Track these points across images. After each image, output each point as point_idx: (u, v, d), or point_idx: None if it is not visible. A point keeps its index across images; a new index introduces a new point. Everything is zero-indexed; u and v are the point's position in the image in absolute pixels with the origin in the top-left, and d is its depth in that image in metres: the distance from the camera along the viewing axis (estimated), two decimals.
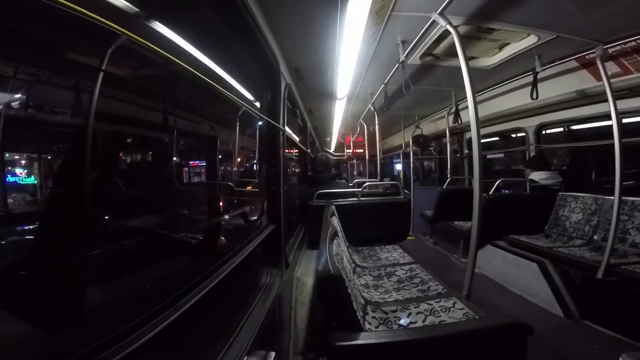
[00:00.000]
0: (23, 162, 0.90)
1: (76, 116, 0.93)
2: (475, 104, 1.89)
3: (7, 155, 0.86)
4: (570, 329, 2.51)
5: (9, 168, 0.85)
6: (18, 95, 0.77)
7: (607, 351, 2.17)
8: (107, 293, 0.93)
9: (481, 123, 1.92)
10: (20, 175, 0.87)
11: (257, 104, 2.25)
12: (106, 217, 1.15)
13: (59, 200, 0.87)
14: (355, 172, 12.56)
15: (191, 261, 1.71)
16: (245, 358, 1.11)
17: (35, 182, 0.89)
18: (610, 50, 2.57)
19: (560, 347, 2.23)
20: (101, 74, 0.85)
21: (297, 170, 6.16)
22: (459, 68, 1.95)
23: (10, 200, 0.85)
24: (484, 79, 3.66)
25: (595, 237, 3.18)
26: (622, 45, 2.49)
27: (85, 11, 0.57)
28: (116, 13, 0.89)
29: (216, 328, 1.23)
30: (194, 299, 0.92)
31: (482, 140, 1.92)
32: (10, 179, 0.84)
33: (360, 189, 3.56)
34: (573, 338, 2.36)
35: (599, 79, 2.72)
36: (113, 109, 1.11)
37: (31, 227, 0.88)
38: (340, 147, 11.19)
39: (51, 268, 0.76)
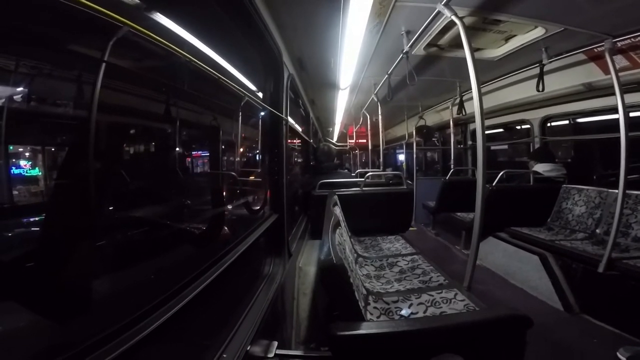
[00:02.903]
0: (27, 154, 0.91)
1: (79, 108, 0.93)
2: (480, 95, 1.87)
3: (12, 147, 0.86)
4: (569, 322, 2.52)
5: (14, 160, 0.86)
6: (21, 89, 0.77)
7: (605, 345, 2.18)
8: (112, 283, 0.94)
9: (486, 114, 1.90)
10: (25, 167, 0.87)
11: (260, 95, 2.24)
12: (110, 208, 1.16)
13: (64, 191, 0.87)
14: (357, 163, 12.54)
15: (195, 251, 1.72)
16: (248, 347, 1.13)
17: (40, 173, 0.89)
18: (619, 44, 2.53)
19: (559, 341, 2.25)
20: (103, 65, 0.85)
21: (299, 160, 6.16)
22: (464, 59, 1.92)
23: (15, 192, 0.85)
24: (489, 71, 3.61)
25: (597, 231, 3.18)
26: (632, 39, 2.45)
27: (87, 2, 0.57)
28: (117, 4, 0.88)
29: (220, 317, 1.25)
30: (198, 288, 0.93)
31: (486, 132, 1.91)
32: (15, 171, 0.85)
33: (362, 179, 3.55)
34: (572, 332, 2.37)
35: (607, 72, 2.68)
36: (116, 100, 1.11)
37: (37, 218, 0.89)
38: (342, 137, 11.14)
39: (57, 259, 0.77)
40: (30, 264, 0.75)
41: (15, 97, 0.77)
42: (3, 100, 0.75)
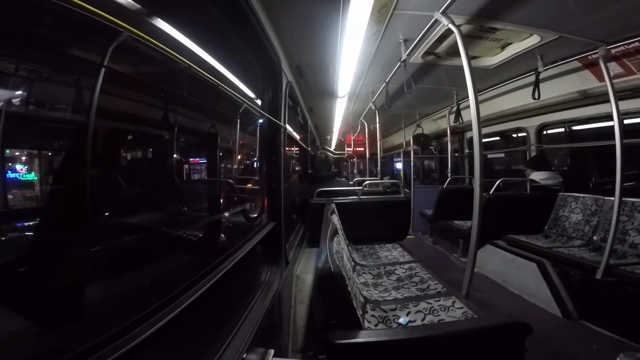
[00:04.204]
0: (24, 158, 0.90)
1: (77, 113, 0.92)
2: (477, 103, 1.88)
3: (8, 151, 0.86)
4: (568, 329, 2.51)
5: (10, 164, 0.85)
6: (19, 92, 0.77)
7: (604, 351, 2.17)
8: (107, 290, 0.93)
9: (482, 122, 1.91)
10: (21, 171, 0.87)
11: (259, 102, 2.24)
12: (106, 214, 1.15)
13: (59, 196, 0.87)
14: (355, 171, 12.55)
15: (191, 258, 1.71)
16: (244, 355, 1.12)
17: (36, 178, 0.89)
18: (613, 51, 2.56)
19: (558, 348, 2.24)
20: (102, 70, 0.85)
21: (297, 168, 6.16)
22: (461, 67, 1.94)
23: (10, 197, 0.85)
24: (485, 79, 3.65)
25: (594, 238, 3.19)
26: (626, 46, 2.49)
27: (88, 6, 0.57)
28: (118, 10, 0.88)
29: (216, 325, 1.23)
30: (194, 296, 0.92)
31: (483, 140, 1.92)
32: (10, 175, 0.84)
33: (360, 188, 3.55)
34: (571, 338, 2.36)
35: (602, 79, 2.71)
36: (114, 105, 1.11)
37: (31, 223, 0.88)
38: (340, 145, 11.17)
39: (51, 264, 0.76)
40: (23, 268, 0.74)
41: (12, 100, 0.77)
42: (1, 103, 0.74)
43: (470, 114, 1.92)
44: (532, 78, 3.18)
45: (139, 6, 0.95)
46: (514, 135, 5.29)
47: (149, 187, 1.58)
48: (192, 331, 1.03)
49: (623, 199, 2.49)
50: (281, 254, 2.03)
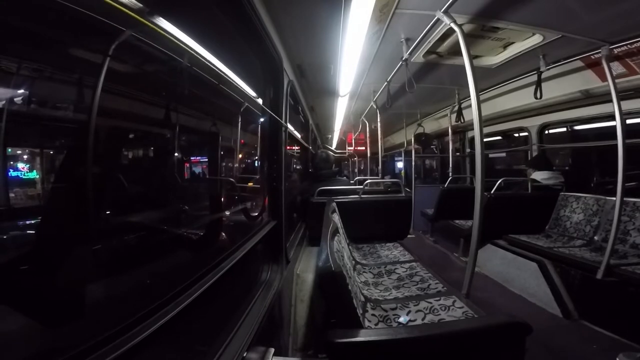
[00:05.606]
0: (25, 157, 0.90)
1: (79, 112, 0.93)
2: (479, 102, 1.88)
3: (10, 150, 0.86)
4: (568, 329, 2.51)
5: (12, 163, 0.86)
6: (21, 91, 0.77)
7: (604, 352, 2.17)
8: (107, 288, 0.93)
9: (484, 122, 1.91)
10: (23, 170, 0.87)
11: (260, 101, 2.24)
12: (107, 212, 1.15)
13: (61, 195, 0.87)
14: (356, 170, 12.54)
15: (192, 257, 1.71)
16: (245, 354, 1.12)
17: (37, 176, 0.89)
18: (616, 51, 2.55)
19: (558, 347, 2.24)
20: (104, 69, 0.85)
21: (298, 167, 6.16)
22: (463, 66, 1.94)
23: (12, 195, 0.85)
24: (487, 78, 3.63)
25: (595, 238, 3.18)
26: (628, 46, 2.47)
27: (90, 4, 0.57)
28: (120, 8, 0.88)
29: (216, 324, 1.24)
30: (195, 294, 0.92)
31: (485, 139, 1.91)
32: (12, 173, 0.85)
33: (361, 187, 3.55)
34: (571, 338, 2.36)
35: (604, 79, 2.71)
36: (116, 104, 1.11)
37: (33, 221, 0.88)
38: (341, 144, 11.14)
39: (52, 263, 0.76)
40: (25, 267, 0.74)
41: (15, 99, 0.77)
42: (3, 102, 0.74)
43: (472, 113, 1.91)
44: (534, 77, 3.16)
45: (141, 5, 0.95)
46: (516, 135, 5.28)
47: (150, 185, 1.58)
48: (192, 330, 1.04)
49: (624, 199, 2.49)
50: (282, 252, 2.04)
